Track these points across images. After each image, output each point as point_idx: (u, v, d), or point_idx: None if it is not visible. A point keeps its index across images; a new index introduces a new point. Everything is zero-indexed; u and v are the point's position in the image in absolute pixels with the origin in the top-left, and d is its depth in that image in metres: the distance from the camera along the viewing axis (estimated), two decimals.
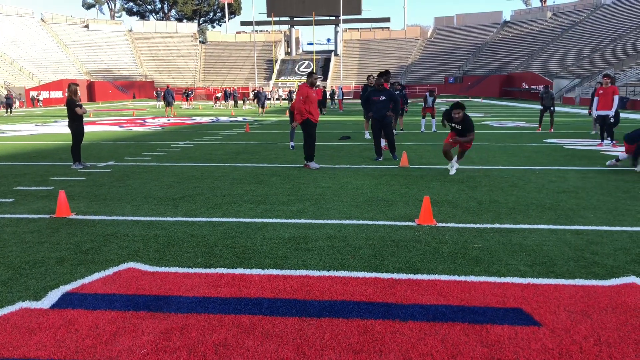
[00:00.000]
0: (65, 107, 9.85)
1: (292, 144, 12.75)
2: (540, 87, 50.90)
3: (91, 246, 4.85)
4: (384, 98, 10.17)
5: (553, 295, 3.64)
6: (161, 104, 42.06)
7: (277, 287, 3.82)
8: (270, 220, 5.76)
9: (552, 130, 17.27)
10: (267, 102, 35.09)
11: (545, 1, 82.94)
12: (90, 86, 61.30)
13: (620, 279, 3.94)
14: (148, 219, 5.85)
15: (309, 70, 73.40)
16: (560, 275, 4.02)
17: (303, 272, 4.12)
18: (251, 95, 50.08)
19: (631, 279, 3.94)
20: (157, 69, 74.27)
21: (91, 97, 60.65)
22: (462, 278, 3.98)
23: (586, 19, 66.46)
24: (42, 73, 59.85)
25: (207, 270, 4.19)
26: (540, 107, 17.83)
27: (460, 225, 5.50)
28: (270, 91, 51.27)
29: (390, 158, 10.58)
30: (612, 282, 3.87)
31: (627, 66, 46.24)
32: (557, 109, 34.60)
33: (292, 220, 5.73)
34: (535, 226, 5.43)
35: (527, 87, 55.70)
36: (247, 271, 4.16)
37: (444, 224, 5.52)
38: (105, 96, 61.73)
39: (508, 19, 78.10)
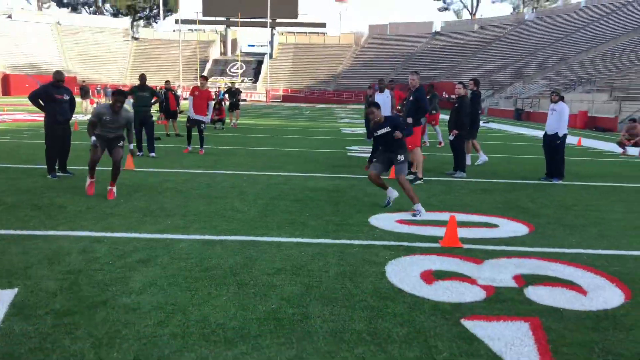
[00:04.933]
0: None
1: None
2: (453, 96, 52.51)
3: None
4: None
5: None
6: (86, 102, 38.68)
7: None
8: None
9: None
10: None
11: (474, 14, 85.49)
12: (5, 79, 58.53)
13: None
14: None
15: (242, 71, 73.03)
16: None
17: None
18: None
19: None
20: (83, 64, 71.75)
21: (6, 91, 57.89)
22: None
23: (508, 33, 68.88)
24: None
25: None
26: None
27: None
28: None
29: None
30: None
31: (535, 80, 48.09)
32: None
33: None
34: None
35: (447, 96, 57.18)
36: None
37: None
38: (22, 90, 58.89)
39: (439, 29, 79.97)
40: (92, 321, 3.41)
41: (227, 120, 22.20)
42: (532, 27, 67.00)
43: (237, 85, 23.50)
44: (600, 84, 36.23)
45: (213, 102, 13.03)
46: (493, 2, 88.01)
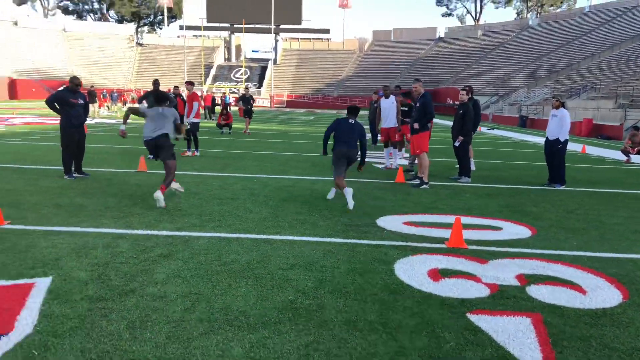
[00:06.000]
0: None
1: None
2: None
3: None
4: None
5: None
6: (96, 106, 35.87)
7: None
8: None
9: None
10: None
11: (478, 20, 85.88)
12: (12, 84, 59.20)
13: None
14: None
15: (246, 77, 73.41)
16: None
17: None
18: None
19: None
20: (88, 69, 72.33)
21: (13, 95, 58.57)
22: None
23: (512, 39, 69.18)
24: None
25: None
26: None
27: None
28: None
29: None
30: None
31: (539, 86, 48.31)
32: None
33: None
34: None
35: (451, 102, 57.41)
36: None
37: None
38: (29, 95, 59.58)
39: (442, 35, 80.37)
40: (124, 306, 3.69)
41: (244, 126, 21.93)
42: (536, 32, 67.32)
43: (249, 91, 22.69)
44: (605, 91, 36.41)
45: (197, 104, 13.04)
46: (496, 8, 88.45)
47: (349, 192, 7.36)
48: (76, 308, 3.64)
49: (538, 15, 79.36)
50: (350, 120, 7.95)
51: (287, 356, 3.12)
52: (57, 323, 3.40)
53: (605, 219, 7.41)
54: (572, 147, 19.05)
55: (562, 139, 10.00)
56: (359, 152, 7.92)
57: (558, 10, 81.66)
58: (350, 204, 7.30)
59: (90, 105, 28.03)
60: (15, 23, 74.90)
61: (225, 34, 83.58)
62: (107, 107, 37.74)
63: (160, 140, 7.18)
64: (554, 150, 10.12)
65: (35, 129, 19.60)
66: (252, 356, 3.11)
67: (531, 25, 71.29)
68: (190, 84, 13.26)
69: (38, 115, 28.39)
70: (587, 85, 40.12)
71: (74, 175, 9.09)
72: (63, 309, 3.61)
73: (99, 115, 31.42)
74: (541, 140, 21.90)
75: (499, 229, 6.65)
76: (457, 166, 10.80)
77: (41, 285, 4.04)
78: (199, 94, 35.96)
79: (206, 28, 78.43)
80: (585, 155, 17.41)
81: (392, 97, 12.45)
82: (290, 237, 5.71)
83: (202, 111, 31.83)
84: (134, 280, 4.21)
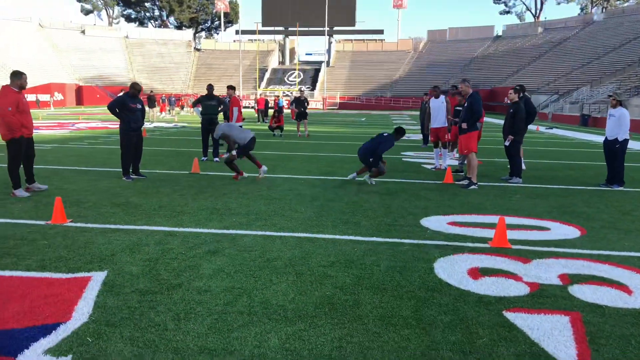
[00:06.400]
0: None
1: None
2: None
3: None
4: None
5: None
6: (156, 109, 32.59)
7: None
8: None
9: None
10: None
11: (538, 17, 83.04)
12: (79, 90, 62.51)
13: None
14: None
15: (299, 79, 74.33)
16: None
17: None
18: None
19: None
20: (148, 75, 75.27)
21: (79, 101, 61.85)
22: None
23: (575, 35, 66.48)
24: (32, 76, 60.89)
25: None
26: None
27: None
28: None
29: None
30: None
31: (604, 84, 46.21)
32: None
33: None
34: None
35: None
36: None
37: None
38: (93, 101, 62.77)
39: (500, 33, 78.25)
40: (171, 299, 3.94)
41: (295, 129, 22.15)
42: (600, 28, 64.38)
43: (304, 94, 22.46)
44: None
45: (237, 109, 13.00)
46: (558, 4, 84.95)
47: (354, 175, 9.91)
48: (127, 300, 3.93)
49: (604, 10, 75.82)
50: (384, 134, 9.68)
51: (321, 348, 3.26)
52: (109, 313, 3.69)
53: None
54: (634, 146, 18.17)
55: (620, 139, 9.66)
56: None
57: (625, 4, 77.64)
58: (351, 176, 9.95)
59: (150, 109, 29.10)
60: (83, 32, 79.00)
61: (280, 37, 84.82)
62: (169, 111, 39.21)
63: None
64: (613, 150, 9.79)
65: (99, 133, 20.69)
66: (287, 347, 3.26)
67: (596, 20, 68.21)
68: (231, 88, 13.29)
69: (102, 120, 29.91)
70: None
71: (131, 176, 9.59)
72: (116, 301, 3.91)
73: (158, 119, 32.68)
74: (603, 139, 20.94)
75: (546, 229, 6.53)
76: (509, 166, 10.61)
77: (97, 278, 4.37)
78: (252, 97, 36.40)
79: (261, 32, 79.92)
80: None
81: (442, 97, 12.36)
82: (333, 236, 5.85)
83: (255, 114, 32.65)
84: (181, 275, 4.47)
